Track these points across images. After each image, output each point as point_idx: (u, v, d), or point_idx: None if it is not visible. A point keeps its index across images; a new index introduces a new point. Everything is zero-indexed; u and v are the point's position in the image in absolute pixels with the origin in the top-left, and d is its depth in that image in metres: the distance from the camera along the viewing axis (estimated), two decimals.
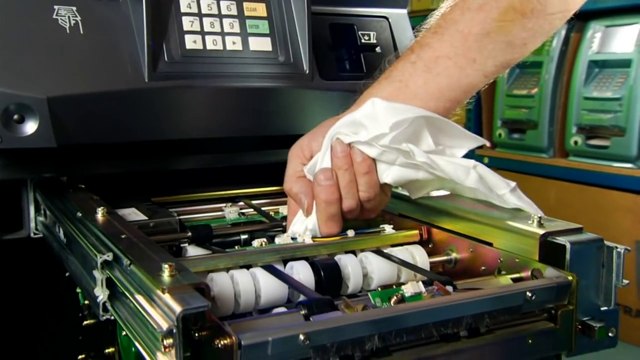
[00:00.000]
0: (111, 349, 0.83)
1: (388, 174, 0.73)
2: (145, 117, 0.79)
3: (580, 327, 0.64)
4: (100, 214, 0.71)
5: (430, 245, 0.79)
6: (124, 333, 0.69)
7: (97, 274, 0.60)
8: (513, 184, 0.73)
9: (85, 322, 0.92)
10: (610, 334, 0.66)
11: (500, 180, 0.73)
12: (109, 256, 0.59)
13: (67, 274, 0.89)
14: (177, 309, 0.47)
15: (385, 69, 0.78)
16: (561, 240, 0.65)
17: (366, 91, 0.77)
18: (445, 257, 0.76)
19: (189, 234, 0.81)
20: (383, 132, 0.70)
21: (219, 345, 0.49)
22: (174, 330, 0.47)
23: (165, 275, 0.52)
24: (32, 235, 0.92)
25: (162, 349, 0.48)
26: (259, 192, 1.02)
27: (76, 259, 0.72)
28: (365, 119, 0.71)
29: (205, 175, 1.00)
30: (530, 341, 0.60)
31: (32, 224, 0.91)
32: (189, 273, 0.53)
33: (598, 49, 2.84)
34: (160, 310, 0.50)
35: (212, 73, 0.82)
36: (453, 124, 0.75)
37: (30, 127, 0.72)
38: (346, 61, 0.92)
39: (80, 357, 0.97)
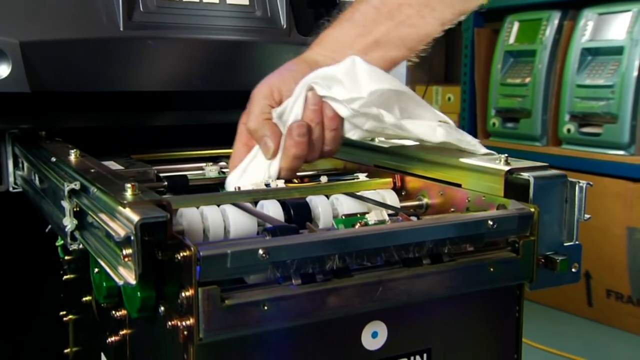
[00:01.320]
0: (88, 297, 0.84)
1: (355, 133, 0.75)
2: (119, 66, 0.80)
3: (543, 260, 0.65)
4: (73, 156, 0.72)
5: (403, 193, 0.80)
6: (96, 270, 0.69)
7: (65, 203, 0.61)
8: (477, 140, 0.76)
9: (65, 277, 0.93)
10: (573, 269, 0.67)
11: (467, 136, 0.75)
12: (76, 185, 0.60)
13: (46, 230, 0.90)
14: (135, 218, 0.48)
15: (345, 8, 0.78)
16: (525, 175, 0.65)
17: (327, 32, 0.78)
18: (416, 202, 0.77)
19: (165, 183, 0.82)
20: (360, 96, 0.72)
21: (179, 258, 0.50)
22: (132, 238, 0.48)
23: (128, 193, 0.53)
24: (10, 189, 0.92)
25: (122, 260, 0.49)
26: None
27: (48, 198, 0.73)
28: (344, 76, 0.72)
29: (185, 135, 1.00)
30: (491, 269, 0.61)
31: (11, 179, 0.92)
32: (151, 193, 0.54)
33: (591, 36, 2.85)
34: (121, 223, 0.51)
35: (187, 24, 0.83)
36: (423, 101, 0.76)
37: (3, 70, 0.73)
38: (324, 16, 0.93)
39: (62, 313, 0.98)
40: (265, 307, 0.52)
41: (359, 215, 0.62)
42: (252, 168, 0.76)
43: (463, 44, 3.45)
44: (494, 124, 3.26)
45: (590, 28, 2.87)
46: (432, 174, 0.77)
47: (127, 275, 0.50)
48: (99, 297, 0.70)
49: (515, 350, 0.66)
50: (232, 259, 0.50)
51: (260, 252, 0.51)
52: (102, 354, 0.81)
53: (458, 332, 0.63)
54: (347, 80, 0.72)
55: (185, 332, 0.50)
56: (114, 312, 0.70)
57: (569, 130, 2.86)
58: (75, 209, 0.62)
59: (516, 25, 3.19)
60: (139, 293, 0.56)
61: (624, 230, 2.57)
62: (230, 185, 0.76)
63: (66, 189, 0.60)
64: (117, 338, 0.72)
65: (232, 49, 0.85)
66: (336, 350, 0.57)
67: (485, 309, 0.64)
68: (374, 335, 0.58)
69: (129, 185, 0.53)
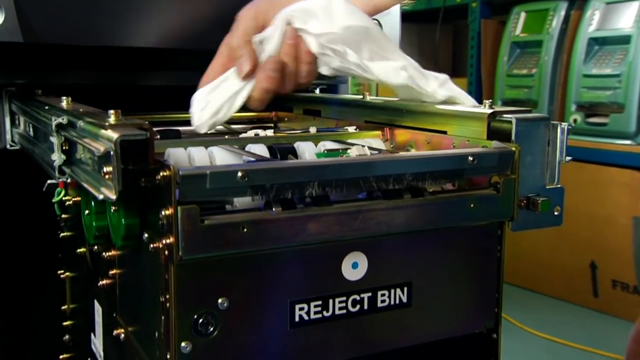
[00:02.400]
0: (82, 249, 0.86)
1: (324, 69, 0.76)
2: (115, 20, 0.81)
3: (524, 202, 0.66)
4: (64, 103, 0.73)
5: (392, 145, 0.81)
6: (86, 212, 0.71)
7: (53, 139, 0.62)
8: (444, 76, 0.76)
9: (62, 235, 0.95)
10: (555, 212, 0.68)
11: (430, 76, 0.76)
12: (63, 119, 0.61)
13: (44, 189, 0.92)
14: (115, 135, 0.50)
15: None
16: (508, 117, 0.66)
17: None
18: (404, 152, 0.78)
19: (157, 136, 0.83)
20: (330, 31, 0.73)
21: (159, 179, 0.51)
22: (111, 153, 0.49)
23: (112, 119, 0.54)
24: (8, 147, 0.94)
25: (103, 178, 0.50)
26: (240, 117, 1.04)
27: (40, 143, 0.75)
28: (321, 11, 0.73)
29: (181, 97, 1.01)
30: (472, 205, 0.62)
31: (8, 136, 0.94)
32: (135, 119, 0.55)
33: (598, 26, 2.84)
34: (103, 143, 0.52)
35: None
36: (394, 45, 0.78)
37: None
38: None
39: (59, 272, 0.99)
40: (245, 229, 0.53)
41: (341, 150, 0.63)
42: (222, 88, 0.75)
43: (470, 35, 3.45)
44: None
45: (598, 18, 2.86)
46: (418, 124, 0.77)
47: (108, 193, 0.51)
48: (89, 238, 0.71)
49: (496, 290, 0.67)
50: (211, 179, 0.51)
51: (239, 174, 0.52)
52: (95, 302, 0.82)
53: (439, 267, 0.63)
54: (323, 14, 0.74)
55: (166, 252, 0.51)
56: (104, 254, 0.71)
57: (575, 121, 2.85)
58: (64, 147, 0.64)
59: (523, 16, 3.19)
60: (123, 220, 0.58)
61: (630, 220, 2.56)
62: (196, 100, 0.76)
63: (54, 124, 0.61)
64: (108, 281, 0.73)
65: (233, 6, 0.86)
66: (317, 279, 0.58)
67: (467, 246, 0.65)
68: (354, 266, 0.59)
69: (112, 111, 0.54)
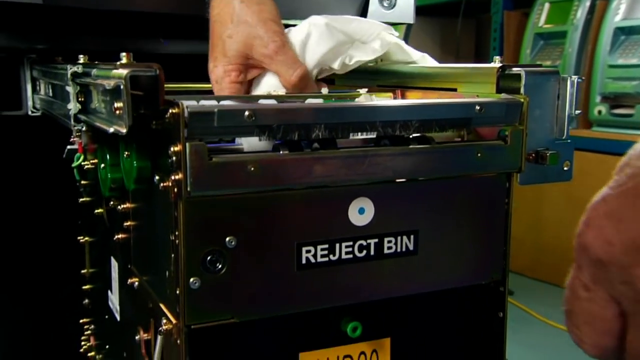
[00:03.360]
0: (100, 210, 0.88)
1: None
2: None
3: (533, 155, 0.66)
4: (82, 59, 0.75)
5: None
6: (102, 166, 0.73)
7: (69, 88, 0.64)
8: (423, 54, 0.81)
9: (81, 200, 0.97)
10: (565, 168, 0.68)
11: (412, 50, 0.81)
12: (78, 68, 0.63)
13: (64, 155, 0.94)
14: (125, 71, 0.51)
15: None
16: (517, 70, 0.66)
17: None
18: None
19: None
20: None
21: (168, 117, 0.52)
22: (121, 87, 0.51)
23: (123, 60, 0.56)
24: (29, 113, 0.97)
25: (114, 114, 0.52)
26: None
27: (57, 99, 0.77)
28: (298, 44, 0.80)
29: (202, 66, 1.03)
30: (479, 154, 0.62)
31: (30, 102, 0.96)
32: (146, 62, 0.57)
33: (624, 15, 2.81)
34: (114, 81, 0.53)
35: None
36: (364, 25, 0.83)
37: None
38: None
39: (79, 237, 1.01)
40: (252, 169, 0.54)
41: (349, 99, 0.64)
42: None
43: (492, 27, 3.43)
44: None
45: (624, 7, 2.82)
46: (429, 84, 0.78)
47: (119, 127, 0.52)
48: (105, 191, 0.73)
49: (504, 243, 0.67)
50: (219, 117, 0.52)
51: (247, 113, 0.53)
52: (112, 258, 0.84)
53: (446, 217, 0.64)
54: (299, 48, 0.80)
55: (175, 189, 0.53)
56: (119, 207, 0.73)
57: (600, 112, 2.82)
58: (79, 97, 0.66)
59: (547, 7, 3.16)
60: (135, 163, 0.59)
61: None
62: None
63: (69, 72, 0.63)
64: (123, 235, 0.75)
65: None
66: (323, 223, 0.59)
67: (475, 197, 0.65)
68: (361, 211, 0.60)
69: (124, 54, 0.56)
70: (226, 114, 0.53)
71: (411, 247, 0.63)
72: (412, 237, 0.62)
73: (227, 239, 0.55)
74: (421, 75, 0.80)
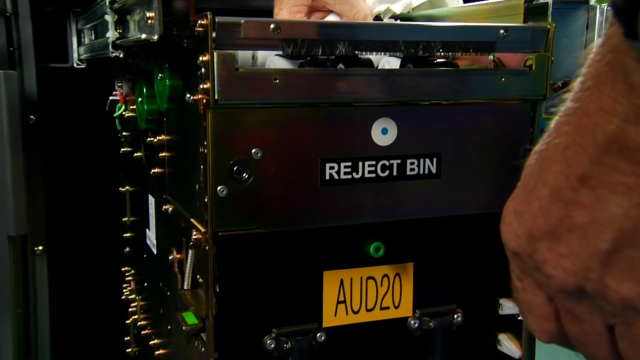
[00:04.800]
0: (139, 153, 0.91)
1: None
2: None
3: (560, 84, 0.66)
4: None
5: None
6: (139, 99, 0.76)
7: (108, 17, 0.68)
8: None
9: (122, 150, 1.01)
10: None
11: None
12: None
13: (106, 108, 0.99)
14: None
15: None
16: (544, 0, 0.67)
17: None
18: None
19: None
20: None
21: (199, 29, 0.55)
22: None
23: None
24: (75, 65, 1.01)
25: (147, 24, 0.55)
26: None
27: (98, 38, 0.80)
28: None
29: None
30: (502, 79, 0.63)
31: (75, 55, 1.01)
32: None
33: None
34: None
35: None
36: None
37: None
38: None
39: (120, 188, 1.06)
40: (277, 80, 0.56)
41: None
42: None
43: None
44: None
45: None
46: (459, 19, 0.79)
47: (151, 35, 0.55)
48: (142, 124, 0.76)
49: None
50: (246, 28, 0.54)
51: (272, 26, 0.55)
52: (149, 196, 0.88)
53: (470, 143, 0.65)
54: None
55: (204, 100, 0.55)
56: (155, 139, 0.76)
57: None
58: (117, 28, 0.69)
59: None
60: (167, 81, 0.62)
61: None
62: None
63: (107, 1, 0.67)
64: (159, 169, 0.78)
65: None
66: (347, 141, 0.60)
67: (499, 124, 0.66)
68: (384, 131, 0.61)
69: None
70: (252, 26, 0.55)
71: (434, 170, 0.64)
72: (434, 160, 0.64)
73: (253, 150, 0.57)
74: (450, 15, 0.81)
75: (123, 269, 1.09)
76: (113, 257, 1.09)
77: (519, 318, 0.70)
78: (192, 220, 0.62)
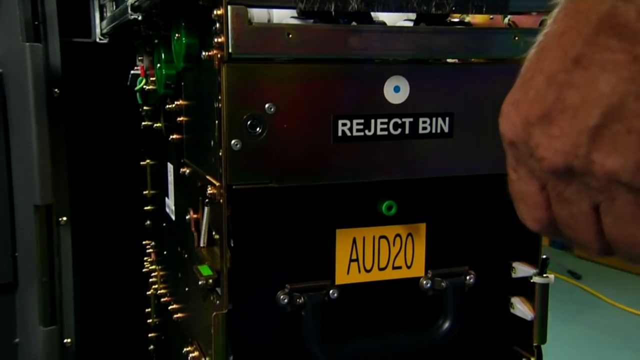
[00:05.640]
0: (159, 124, 0.93)
1: None
2: None
3: None
4: None
5: None
6: (158, 65, 0.78)
7: None
8: None
9: (143, 124, 1.03)
10: None
11: None
12: None
13: (128, 83, 1.01)
14: None
15: None
16: None
17: None
18: None
19: None
20: None
21: None
22: None
23: None
24: (98, 40, 1.04)
25: None
26: None
27: (118, 5, 0.82)
28: None
29: None
30: (516, 38, 0.63)
31: (98, 30, 1.03)
32: None
33: None
34: None
35: None
36: None
37: None
38: None
39: (141, 162, 1.08)
40: (290, 35, 0.57)
41: None
42: None
43: None
44: None
45: None
46: None
47: None
48: (160, 89, 0.78)
49: None
50: None
51: None
52: (168, 164, 0.89)
53: (483, 103, 0.65)
54: None
55: (219, 55, 0.56)
56: (173, 105, 0.77)
57: None
58: None
59: None
60: (184, 40, 0.64)
61: None
62: None
63: None
64: (177, 135, 0.79)
65: None
66: (359, 97, 0.61)
67: (512, 82, 0.66)
68: (396, 89, 0.62)
69: None
70: None
71: (446, 130, 0.64)
72: (447, 119, 0.64)
73: (267, 105, 0.58)
74: None
75: (144, 242, 1.11)
76: (134, 229, 1.12)
77: (531, 281, 0.70)
78: (208, 177, 0.64)
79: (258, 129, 0.58)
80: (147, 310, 1.11)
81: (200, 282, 0.63)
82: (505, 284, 0.72)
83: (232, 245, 0.61)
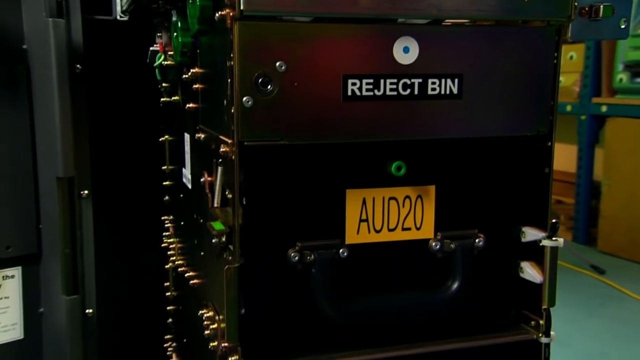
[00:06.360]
0: (176, 97, 0.95)
1: None
2: None
3: (586, 10, 0.67)
4: None
5: None
6: (175, 34, 0.80)
7: None
8: None
9: (162, 100, 1.05)
10: (622, 25, 0.68)
11: None
12: None
13: (147, 60, 1.03)
14: None
15: None
16: None
17: None
18: None
19: None
20: None
21: None
22: None
23: None
24: (118, 17, 1.06)
25: None
26: None
27: None
28: None
29: None
30: (526, 0, 0.64)
31: (118, 7, 1.06)
32: None
33: None
34: None
35: None
36: None
37: None
38: None
39: (160, 139, 1.10)
40: None
41: None
42: None
43: None
44: (621, 79, 3.10)
45: None
46: None
47: None
48: (177, 57, 0.80)
49: (551, 97, 0.68)
50: None
51: None
52: (185, 134, 0.91)
53: (493, 65, 0.66)
54: None
55: (231, 14, 0.58)
56: (188, 74, 0.79)
57: (621, 80, 2.71)
58: None
59: None
60: (198, 2, 0.65)
61: None
62: None
63: None
64: (193, 104, 0.81)
65: None
66: (369, 58, 0.62)
67: (523, 47, 0.66)
68: (406, 50, 0.63)
69: None
70: None
71: (455, 91, 0.65)
72: (456, 80, 0.65)
73: (277, 63, 0.60)
74: None
75: (163, 218, 1.13)
76: (153, 204, 1.14)
77: (540, 244, 0.70)
78: (221, 137, 0.65)
79: (269, 86, 0.60)
80: (165, 284, 1.13)
81: (213, 240, 0.64)
82: (514, 248, 0.72)
83: (244, 203, 0.63)
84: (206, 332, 0.71)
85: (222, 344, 0.65)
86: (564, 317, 2.08)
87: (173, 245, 1.06)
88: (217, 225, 0.64)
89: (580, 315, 2.15)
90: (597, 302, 2.34)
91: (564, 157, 3.43)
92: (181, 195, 0.98)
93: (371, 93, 0.63)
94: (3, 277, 1.02)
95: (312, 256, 0.65)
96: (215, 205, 0.69)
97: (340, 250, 0.66)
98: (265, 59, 0.60)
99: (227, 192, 0.67)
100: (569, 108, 3.19)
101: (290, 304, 0.66)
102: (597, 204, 3.09)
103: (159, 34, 1.02)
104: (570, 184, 3.32)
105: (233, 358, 0.64)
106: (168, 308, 1.14)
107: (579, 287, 2.44)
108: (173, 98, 0.96)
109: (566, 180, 3.39)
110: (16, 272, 1.03)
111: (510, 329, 0.72)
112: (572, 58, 3.45)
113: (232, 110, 0.60)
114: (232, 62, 0.59)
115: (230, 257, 0.63)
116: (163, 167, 1.10)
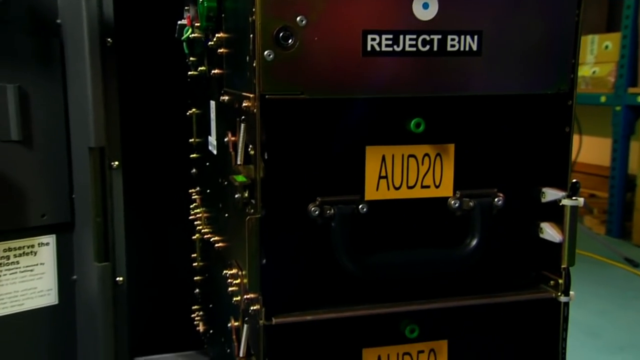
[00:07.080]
0: (202, 67, 0.98)
1: None
2: None
3: None
4: None
5: None
6: (200, 0, 0.82)
7: None
8: None
9: (189, 73, 1.08)
10: None
11: None
12: None
13: (175, 35, 1.05)
14: None
15: None
16: None
17: None
18: None
19: None
20: None
21: None
22: None
23: None
24: None
25: None
26: None
27: None
28: None
29: None
30: None
31: None
32: None
33: None
34: None
35: None
36: None
37: None
38: None
39: (189, 112, 1.13)
40: None
41: None
42: None
43: None
44: None
45: None
46: None
47: None
48: (203, 22, 0.82)
49: (572, 54, 0.68)
50: None
51: None
52: (211, 101, 0.94)
53: (512, 21, 0.66)
54: None
55: None
56: (213, 40, 0.81)
57: None
58: None
59: None
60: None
61: None
62: None
63: None
64: (218, 70, 0.83)
65: None
66: (388, 14, 0.63)
67: (543, 3, 0.66)
68: (425, 6, 0.64)
69: None
70: None
71: (475, 47, 0.66)
72: (475, 37, 0.66)
73: (298, 17, 0.61)
74: None
75: (190, 190, 1.16)
76: (181, 176, 1.17)
77: (560, 204, 0.70)
78: (244, 93, 0.67)
79: (290, 40, 0.61)
80: (192, 255, 1.16)
81: (236, 195, 0.66)
82: (534, 208, 0.72)
83: (265, 157, 0.65)
84: (230, 289, 0.73)
85: (245, 297, 0.67)
86: (596, 308, 2.06)
87: (199, 215, 1.09)
88: (240, 178, 0.66)
89: (612, 307, 2.12)
90: (630, 294, 2.31)
91: (598, 150, 3.38)
92: (207, 164, 1.01)
93: (390, 49, 0.64)
94: (38, 244, 1.06)
95: (332, 211, 0.66)
96: (239, 162, 0.71)
97: (360, 206, 0.67)
98: (286, 13, 0.61)
99: (249, 149, 0.68)
100: (603, 99, 3.13)
101: (310, 258, 0.68)
102: (632, 197, 3.04)
103: (186, 8, 1.04)
104: (603, 177, 3.26)
105: (254, 307, 0.65)
106: (195, 278, 1.16)
107: (612, 279, 2.41)
108: (200, 69, 0.98)
109: (600, 174, 3.34)
110: (51, 239, 1.07)
111: (530, 288, 0.73)
112: (607, 48, 3.39)
113: (254, 64, 0.62)
114: (253, 17, 0.61)
115: (252, 210, 0.65)
116: (190, 140, 1.12)
